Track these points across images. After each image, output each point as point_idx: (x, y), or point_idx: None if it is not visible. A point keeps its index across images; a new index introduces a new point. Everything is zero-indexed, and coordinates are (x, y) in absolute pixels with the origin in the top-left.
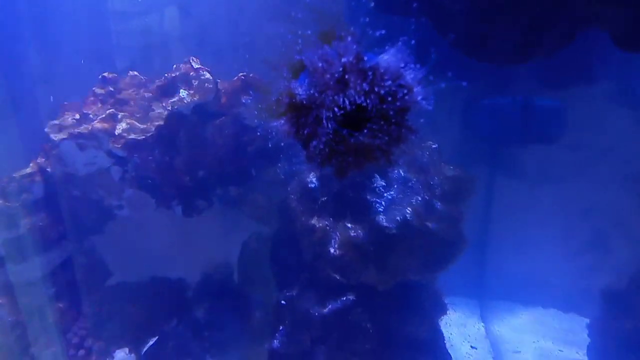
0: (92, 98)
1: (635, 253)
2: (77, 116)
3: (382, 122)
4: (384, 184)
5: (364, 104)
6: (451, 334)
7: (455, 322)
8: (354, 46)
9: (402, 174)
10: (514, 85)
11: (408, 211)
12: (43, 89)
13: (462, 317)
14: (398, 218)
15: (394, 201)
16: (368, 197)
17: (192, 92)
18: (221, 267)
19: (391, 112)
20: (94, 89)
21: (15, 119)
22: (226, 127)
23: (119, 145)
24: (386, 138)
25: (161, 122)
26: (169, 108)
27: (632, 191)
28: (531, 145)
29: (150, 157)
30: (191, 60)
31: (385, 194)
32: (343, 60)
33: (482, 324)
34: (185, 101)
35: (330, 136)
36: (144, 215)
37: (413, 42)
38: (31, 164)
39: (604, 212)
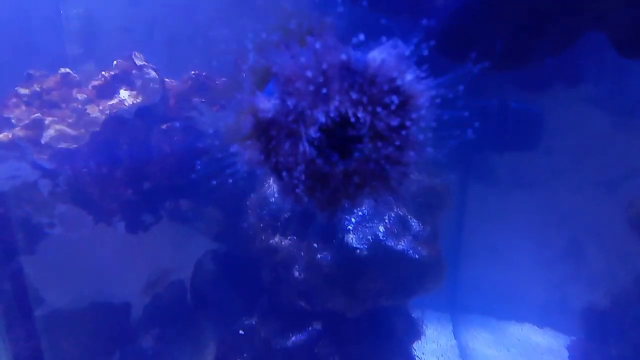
0: (14, 99)
1: (610, 264)
2: None
3: (378, 142)
4: None
5: (353, 119)
6: (423, 353)
7: (427, 338)
8: (335, 43)
9: None
10: (489, 86)
11: (380, 230)
12: None
13: (434, 333)
14: (369, 237)
15: (365, 218)
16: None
17: (134, 92)
18: (173, 285)
19: (389, 127)
20: (16, 88)
21: None
22: (175, 133)
23: (46, 157)
24: (384, 162)
25: (97, 128)
26: (107, 112)
27: (607, 198)
28: (506, 151)
29: (84, 169)
30: (133, 56)
31: (355, 210)
32: (322, 62)
33: (455, 340)
34: (127, 104)
35: (311, 163)
36: (80, 233)
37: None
38: None
39: (580, 219)
